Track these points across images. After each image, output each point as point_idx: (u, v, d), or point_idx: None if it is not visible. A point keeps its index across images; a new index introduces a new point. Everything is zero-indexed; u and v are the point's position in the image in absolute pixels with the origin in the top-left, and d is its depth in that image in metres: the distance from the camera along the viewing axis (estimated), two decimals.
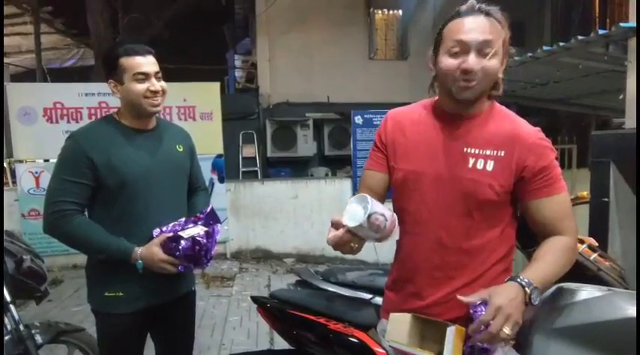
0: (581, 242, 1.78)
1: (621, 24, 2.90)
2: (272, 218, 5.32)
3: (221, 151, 5.01)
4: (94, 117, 4.45)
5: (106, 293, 1.42)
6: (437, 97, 1.16)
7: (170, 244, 1.34)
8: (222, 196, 5.05)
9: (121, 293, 1.41)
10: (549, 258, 1.02)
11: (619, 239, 2.76)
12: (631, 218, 2.59)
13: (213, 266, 4.82)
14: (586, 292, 1.04)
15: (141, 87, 1.38)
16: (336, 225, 0.95)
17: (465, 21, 1.02)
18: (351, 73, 6.77)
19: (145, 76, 1.39)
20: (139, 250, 1.36)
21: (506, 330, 0.86)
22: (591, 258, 1.70)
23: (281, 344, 1.67)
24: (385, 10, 7.20)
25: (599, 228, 2.79)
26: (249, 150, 6.53)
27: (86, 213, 1.43)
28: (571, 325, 0.99)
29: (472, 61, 0.99)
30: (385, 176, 1.19)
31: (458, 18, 1.03)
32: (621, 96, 3.07)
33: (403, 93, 6.31)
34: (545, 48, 3.69)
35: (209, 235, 1.39)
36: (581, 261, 1.68)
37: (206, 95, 4.95)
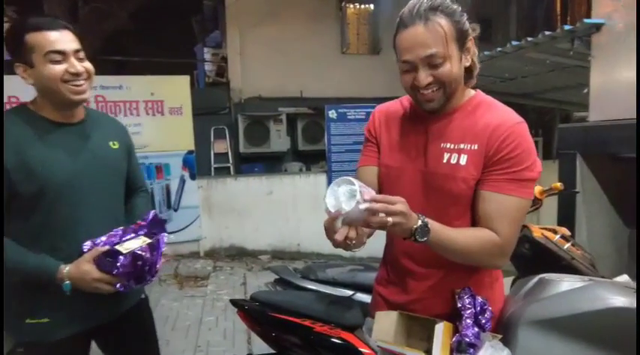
0: (555, 232, 1.83)
1: (585, 20, 3.00)
2: (246, 215, 5.23)
3: (192, 147, 4.87)
4: None
5: (28, 320, 1.18)
6: None
7: (105, 260, 1.13)
8: (194, 193, 4.91)
9: (46, 320, 1.19)
10: (465, 234, 0.98)
11: (585, 228, 2.88)
12: (597, 207, 2.72)
13: (186, 265, 4.70)
14: (567, 283, 1.05)
15: (57, 69, 1.14)
16: (333, 224, 0.86)
17: (406, 36, 0.99)
18: (323, 68, 6.72)
19: (62, 56, 1.15)
20: (65, 268, 1.13)
21: (390, 221, 0.86)
22: (565, 247, 1.75)
23: (258, 343, 1.62)
24: (357, 4, 7.18)
25: (566, 217, 2.91)
26: (220, 146, 6.37)
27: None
28: (554, 317, 0.99)
29: (421, 77, 0.99)
30: None
31: (401, 30, 1.00)
32: (585, 91, 3.18)
33: (376, 87, 6.32)
34: (514, 43, 3.79)
35: (153, 248, 1.19)
36: (555, 250, 1.73)
37: (175, 89, 4.78)
